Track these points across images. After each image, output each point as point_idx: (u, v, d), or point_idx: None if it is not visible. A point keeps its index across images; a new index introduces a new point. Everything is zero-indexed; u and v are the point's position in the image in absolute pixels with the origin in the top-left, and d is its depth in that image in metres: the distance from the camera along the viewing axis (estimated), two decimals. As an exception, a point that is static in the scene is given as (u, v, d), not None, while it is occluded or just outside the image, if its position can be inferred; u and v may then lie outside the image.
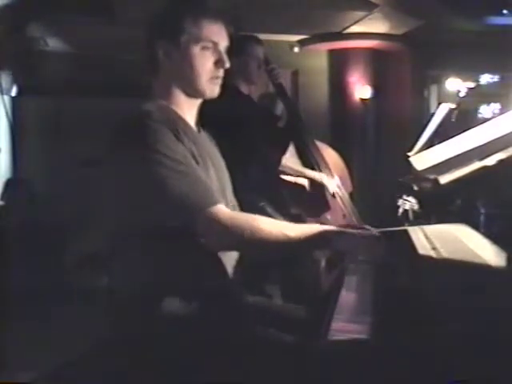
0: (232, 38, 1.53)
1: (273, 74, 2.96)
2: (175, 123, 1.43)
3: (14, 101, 4.65)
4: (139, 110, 1.43)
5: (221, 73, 1.51)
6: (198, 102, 1.55)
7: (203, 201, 1.35)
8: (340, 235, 1.41)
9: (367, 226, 1.52)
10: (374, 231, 1.49)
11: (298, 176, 2.91)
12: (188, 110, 1.53)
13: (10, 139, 4.55)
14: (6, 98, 4.36)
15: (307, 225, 1.52)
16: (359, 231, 1.47)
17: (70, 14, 4.16)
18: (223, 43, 1.51)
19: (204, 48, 1.47)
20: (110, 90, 4.82)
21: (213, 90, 1.51)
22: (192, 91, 1.51)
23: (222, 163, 1.62)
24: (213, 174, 1.50)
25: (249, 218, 1.40)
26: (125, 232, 1.45)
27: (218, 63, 1.49)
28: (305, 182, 2.96)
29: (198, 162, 1.43)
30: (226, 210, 1.39)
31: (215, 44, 1.49)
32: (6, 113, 4.35)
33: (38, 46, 4.56)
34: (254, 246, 1.40)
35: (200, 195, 1.36)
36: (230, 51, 1.54)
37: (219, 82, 1.52)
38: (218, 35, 1.49)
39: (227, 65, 1.51)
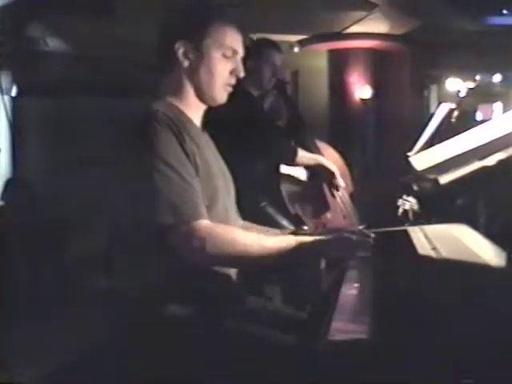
0: (247, 49, 1.57)
1: (280, 80, 2.95)
2: (181, 124, 1.43)
3: (14, 101, 4.65)
4: (146, 110, 1.43)
5: (233, 81, 1.54)
6: (206, 106, 1.57)
7: (184, 215, 1.34)
8: (319, 245, 1.40)
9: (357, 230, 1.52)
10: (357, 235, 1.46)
11: (313, 164, 2.87)
12: (195, 111, 1.55)
13: (9, 139, 4.55)
14: (6, 97, 4.35)
15: (285, 236, 1.53)
16: (341, 236, 1.44)
17: (70, 14, 4.16)
18: (241, 53, 1.54)
19: (224, 55, 1.50)
20: (110, 90, 4.81)
21: (223, 96, 1.54)
22: (203, 95, 1.52)
23: (223, 164, 1.62)
24: (217, 175, 1.51)
25: (227, 231, 1.40)
26: (123, 232, 1.45)
27: (234, 72, 1.53)
28: (305, 179, 2.95)
29: (197, 168, 1.42)
30: (205, 225, 1.36)
31: (235, 52, 1.52)
32: (6, 113, 4.35)
33: (38, 46, 4.56)
34: (233, 260, 1.39)
35: (182, 208, 1.34)
36: (247, 55, 1.58)
37: (230, 89, 1.55)
38: (239, 45, 1.53)
39: (242, 74, 1.54)
